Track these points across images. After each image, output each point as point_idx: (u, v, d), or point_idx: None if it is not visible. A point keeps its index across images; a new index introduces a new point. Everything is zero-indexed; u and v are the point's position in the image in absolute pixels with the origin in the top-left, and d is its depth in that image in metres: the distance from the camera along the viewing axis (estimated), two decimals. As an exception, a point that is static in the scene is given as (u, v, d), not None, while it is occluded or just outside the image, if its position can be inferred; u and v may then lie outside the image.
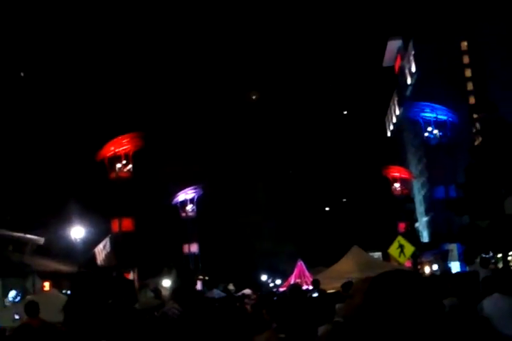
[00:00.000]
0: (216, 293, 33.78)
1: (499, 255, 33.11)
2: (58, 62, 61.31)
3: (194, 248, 64.71)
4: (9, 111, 49.13)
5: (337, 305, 6.47)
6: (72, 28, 64.50)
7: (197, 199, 67.31)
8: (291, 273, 43.48)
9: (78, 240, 30.52)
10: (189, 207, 66.71)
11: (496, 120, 33.47)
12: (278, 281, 69.12)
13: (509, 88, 66.10)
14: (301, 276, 40.46)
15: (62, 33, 62.73)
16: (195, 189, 66.77)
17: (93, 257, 32.74)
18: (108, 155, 60.46)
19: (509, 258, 32.15)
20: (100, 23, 70.29)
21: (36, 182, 47.28)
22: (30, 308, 8.76)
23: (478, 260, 16.46)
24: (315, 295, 15.33)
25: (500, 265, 28.74)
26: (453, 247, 37.10)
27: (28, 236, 28.96)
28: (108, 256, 37.68)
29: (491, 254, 33.12)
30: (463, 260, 36.09)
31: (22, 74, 57.86)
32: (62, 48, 62.53)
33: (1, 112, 47.77)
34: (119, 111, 66.36)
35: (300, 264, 42.31)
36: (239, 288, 41.68)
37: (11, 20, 51.70)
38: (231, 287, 43.22)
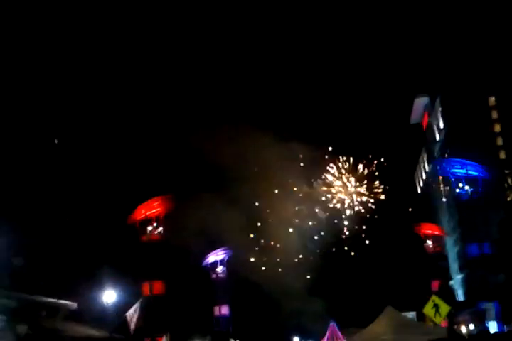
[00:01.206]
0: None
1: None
2: (90, 129, 62.86)
3: (225, 310, 64.02)
4: (43, 178, 50.17)
5: None
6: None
7: (227, 260, 67.09)
8: (323, 334, 42.75)
9: (110, 304, 30.56)
10: (219, 269, 66.44)
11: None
12: (310, 342, 67.69)
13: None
14: (334, 338, 39.77)
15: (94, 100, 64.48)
16: (225, 250, 66.65)
17: (125, 321, 32.70)
18: (139, 218, 61.27)
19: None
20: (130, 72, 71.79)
21: (69, 246, 47.74)
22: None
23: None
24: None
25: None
26: (490, 306, 36.18)
27: (61, 301, 29.07)
28: (138, 320, 37.51)
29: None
30: (501, 319, 35.14)
31: (56, 141, 59.43)
32: (95, 113, 64.14)
33: (36, 179, 48.83)
34: (150, 174, 67.27)
35: (332, 325, 41.65)
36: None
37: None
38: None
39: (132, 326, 32.01)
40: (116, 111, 69.01)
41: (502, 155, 69.85)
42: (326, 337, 41.30)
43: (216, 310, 63.63)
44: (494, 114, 72.85)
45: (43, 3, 50.00)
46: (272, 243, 71.92)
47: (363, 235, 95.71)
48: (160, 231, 61.92)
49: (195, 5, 79.80)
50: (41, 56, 51.94)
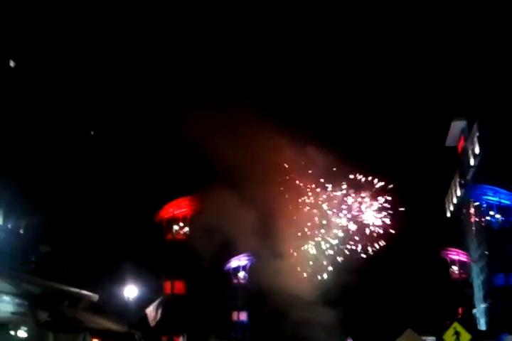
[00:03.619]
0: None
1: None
2: (121, 123, 63.44)
3: (243, 316, 63.92)
4: (76, 169, 50.79)
5: None
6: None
7: (249, 266, 67.04)
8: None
9: (131, 299, 30.79)
10: (241, 274, 66.40)
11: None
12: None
13: None
14: (351, 355, 39.44)
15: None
16: (248, 256, 66.63)
17: (144, 318, 32.89)
18: (166, 216, 61.66)
19: None
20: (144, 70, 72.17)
21: (94, 238, 48.21)
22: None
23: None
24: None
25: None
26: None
27: (83, 292, 29.33)
28: (157, 318, 37.68)
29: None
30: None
31: (92, 132, 60.11)
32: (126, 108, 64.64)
33: (70, 167, 49.44)
34: (182, 173, 67.68)
35: (350, 342, 41.31)
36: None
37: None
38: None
39: (151, 323, 32.20)
40: (154, 108, 69.62)
41: (536, 183, 68.91)
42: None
43: (234, 315, 63.57)
44: (531, 142, 71.97)
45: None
46: (294, 253, 71.83)
47: (388, 254, 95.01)
48: (186, 232, 62.21)
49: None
50: (74, 48, 52.54)
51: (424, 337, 36.29)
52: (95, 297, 30.34)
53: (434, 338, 44.24)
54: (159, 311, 32.42)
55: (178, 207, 62.40)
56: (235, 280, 66.02)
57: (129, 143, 63.05)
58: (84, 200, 49.85)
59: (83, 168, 52.04)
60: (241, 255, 66.51)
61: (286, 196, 73.25)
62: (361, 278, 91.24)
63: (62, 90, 49.23)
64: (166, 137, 71.31)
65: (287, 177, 75.92)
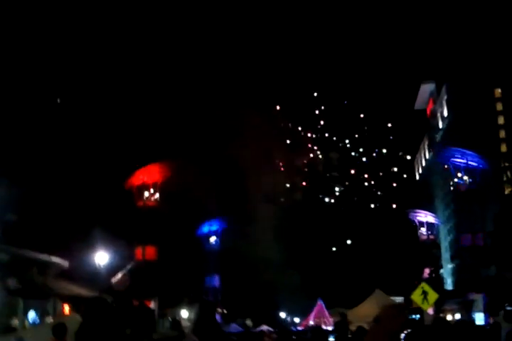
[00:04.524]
0: (233, 327, 33.56)
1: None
2: (94, 90, 62.58)
3: (215, 280, 64.40)
4: (44, 134, 50.03)
5: None
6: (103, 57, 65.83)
7: (221, 231, 67.28)
8: (310, 311, 42.98)
9: (102, 266, 30.64)
10: (212, 239, 66.64)
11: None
12: (296, 319, 68.25)
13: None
14: (321, 316, 40.03)
15: (94, 62, 64.07)
16: (219, 221, 66.81)
17: (114, 283, 32.63)
18: (137, 183, 61.31)
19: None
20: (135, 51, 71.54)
21: (64, 205, 47.79)
22: (58, 330, 8.85)
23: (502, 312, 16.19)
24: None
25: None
26: (478, 297, 36.25)
27: (53, 258, 29.12)
28: (126, 283, 37.58)
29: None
30: (487, 311, 35.39)
31: (58, 100, 59.05)
32: (97, 76, 63.82)
33: (37, 134, 48.70)
34: (152, 140, 67.21)
35: (320, 304, 41.84)
36: (256, 324, 41.29)
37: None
38: (249, 322, 42.79)
39: (118, 288, 32.00)
40: (123, 74, 68.61)
41: (503, 148, 69.71)
42: (312, 315, 41.56)
43: (206, 280, 63.99)
44: (499, 106, 72.56)
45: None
46: (264, 219, 72.35)
47: (357, 219, 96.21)
48: (157, 198, 62.04)
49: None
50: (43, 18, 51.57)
51: (392, 297, 36.89)
52: (65, 263, 30.14)
53: (402, 298, 45.00)
54: (128, 276, 32.29)
55: (149, 174, 62.00)
56: (207, 246, 66.31)
57: (99, 110, 62.27)
58: (53, 167, 49.27)
59: (51, 135, 51.30)
60: (212, 220, 66.69)
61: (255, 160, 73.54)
62: (329, 240, 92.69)
63: (28, 58, 48.23)
64: (137, 103, 70.59)
65: (257, 144, 75.98)
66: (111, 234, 37.68)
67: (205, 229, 66.77)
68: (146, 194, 61.73)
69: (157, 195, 62.04)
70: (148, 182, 62.13)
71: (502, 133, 72.07)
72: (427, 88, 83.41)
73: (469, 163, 61.49)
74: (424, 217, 68.87)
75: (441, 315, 34.76)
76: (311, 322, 37.05)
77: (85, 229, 39.62)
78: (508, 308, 28.25)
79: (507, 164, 64.01)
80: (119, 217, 55.25)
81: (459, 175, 62.11)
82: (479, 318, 34.33)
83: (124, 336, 4.75)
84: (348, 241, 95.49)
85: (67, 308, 26.51)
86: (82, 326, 4.25)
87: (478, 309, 35.16)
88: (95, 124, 60.13)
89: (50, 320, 21.91)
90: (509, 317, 12.75)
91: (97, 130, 59.75)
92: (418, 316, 20.27)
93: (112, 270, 34.31)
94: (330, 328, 27.41)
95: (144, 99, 72.31)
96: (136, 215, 59.50)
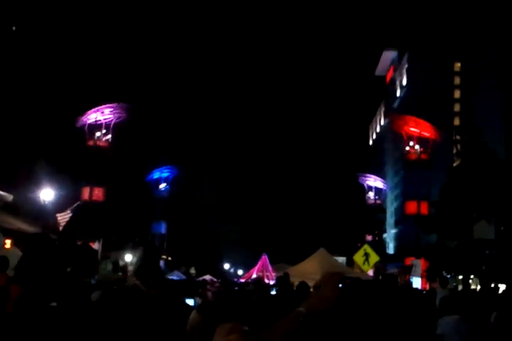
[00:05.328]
0: (177, 274, 33.69)
1: (460, 277, 33.51)
2: (52, 22, 60.31)
3: (162, 227, 64.36)
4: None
5: None
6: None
7: (171, 179, 66.86)
8: (254, 265, 43.39)
9: (47, 202, 30.14)
10: (162, 186, 66.23)
11: (477, 144, 33.76)
12: (240, 271, 69.13)
13: (495, 115, 66.78)
14: (264, 270, 40.46)
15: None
16: (171, 169, 66.31)
17: (56, 221, 32.33)
18: (89, 122, 59.80)
19: (470, 281, 32.51)
20: None
21: (11, 139, 46.52)
22: (0, 263, 8.54)
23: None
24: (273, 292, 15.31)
25: (460, 287, 29.03)
26: (417, 263, 37.37)
27: (-4, 191, 28.40)
28: (71, 223, 37.19)
29: (452, 275, 33.54)
30: (425, 277, 36.52)
31: (14, 28, 56.72)
32: (57, 8, 61.52)
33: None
34: (109, 80, 65.62)
35: (264, 258, 42.22)
36: (200, 273, 41.58)
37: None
38: (192, 271, 43.09)
39: (62, 227, 31.67)
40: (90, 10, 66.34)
41: (457, 121, 70.86)
42: (256, 268, 41.95)
43: (153, 226, 63.83)
44: (457, 80, 73.42)
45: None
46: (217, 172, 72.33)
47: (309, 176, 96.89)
48: (108, 139, 60.75)
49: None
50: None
51: (335, 257, 37.53)
52: (9, 197, 29.43)
53: (344, 258, 45.97)
54: (72, 216, 31.84)
55: (102, 114, 60.53)
56: (156, 192, 65.92)
57: (55, 43, 60.14)
58: (4, 99, 47.75)
59: (3, 63, 49.50)
60: (164, 167, 66.18)
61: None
62: (278, 197, 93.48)
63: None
64: (96, 38, 68.50)
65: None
66: (57, 172, 36.98)
67: (156, 175, 66.19)
68: (98, 134, 60.32)
69: (109, 136, 60.69)
70: (101, 121, 60.67)
71: (457, 107, 73.12)
72: (389, 55, 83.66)
73: (422, 132, 62.28)
74: (373, 181, 69.90)
75: (380, 277, 35.55)
76: (254, 275, 37.42)
77: (31, 163, 38.75)
78: (444, 275, 29.23)
79: (458, 137, 65.07)
80: (67, 154, 54.19)
81: (411, 143, 62.92)
82: (417, 283, 35.47)
83: (64, 274, 4.55)
84: (297, 199, 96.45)
85: (8, 242, 26.03)
86: (22, 261, 4.04)
87: (417, 274, 36.26)
88: (53, 56, 58.22)
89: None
90: (444, 283, 13.13)
91: (54, 62, 57.89)
92: None
93: (58, 207, 33.86)
94: (272, 282, 27.70)
95: (108, 37, 70.32)
96: (85, 154, 58.29)
